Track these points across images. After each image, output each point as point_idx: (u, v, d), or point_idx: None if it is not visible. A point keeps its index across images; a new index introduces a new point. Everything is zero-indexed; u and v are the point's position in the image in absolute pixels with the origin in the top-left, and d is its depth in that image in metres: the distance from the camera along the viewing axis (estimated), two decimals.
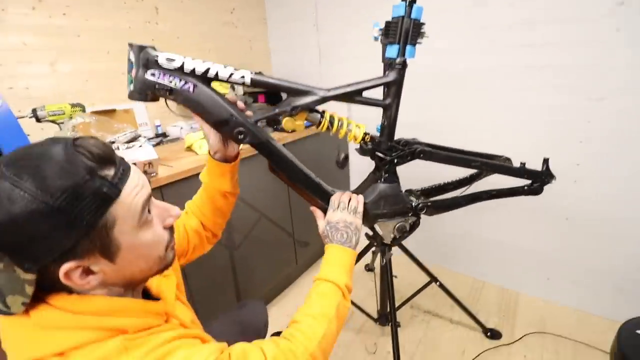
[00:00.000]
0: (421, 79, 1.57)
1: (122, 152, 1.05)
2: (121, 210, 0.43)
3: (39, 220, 0.38)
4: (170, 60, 0.63)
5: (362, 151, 0.92)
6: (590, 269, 1.51)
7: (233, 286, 1.50)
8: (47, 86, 1.37)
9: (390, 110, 0.85)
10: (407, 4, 0.78)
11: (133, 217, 0.44)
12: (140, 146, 1.14)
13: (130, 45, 0.63)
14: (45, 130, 1.34)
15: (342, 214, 0.75)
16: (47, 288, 0.43)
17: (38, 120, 1.21)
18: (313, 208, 0.81)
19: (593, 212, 1.44)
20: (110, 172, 0.43)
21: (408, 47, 0.80)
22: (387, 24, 0.83)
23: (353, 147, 0.99)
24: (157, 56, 0.63)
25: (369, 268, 1.93)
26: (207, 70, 0.66)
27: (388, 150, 0.89)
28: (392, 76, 0.82)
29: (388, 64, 0.83)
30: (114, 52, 1.51)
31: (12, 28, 1.27)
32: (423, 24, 0.81)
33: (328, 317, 0.61)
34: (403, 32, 0.79)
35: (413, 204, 0.95)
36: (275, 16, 2.22)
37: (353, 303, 1.51)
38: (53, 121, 1.23)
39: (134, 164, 0.72)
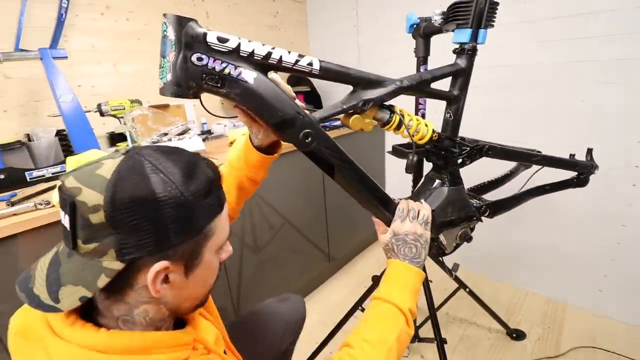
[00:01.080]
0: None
1: (174, 142, 1.14)
2: (219, 226, 0.46)
3: (169, 207, 0.39)
4: (222, 40, 0.49)
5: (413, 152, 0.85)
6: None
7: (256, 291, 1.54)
8: (109, 84, 1.50)
9: (458, 103, 0.77)
10: None
11: (222, 238, 0.47)
12: (190, 138, 1.22)
13: (165, 15, 0.47)
14: (107, 125, 1.48)
15: (412, 225, 0.65)
16: (90, 308, 0.43)
17: (102, 114, 1.33)
18: (375, 219, 0.71)
19: None
20: (221, 188, 0.47)
21: (481, 31, 0.72)
22: (455, 5, 0.73)
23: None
24: (206, 33, 0.48)
25: (377, 280, 1.84)
26: (268, 55, 0.52)
27: (454, 148, 0.78)
28: (462, 64, 0.74)
29: (457, 51, 0.76)
30: None
31: (83, 31, 1.41)
32: (498, 3, 0.72)
33: (387, 345, 0.53)
34: (477, 13, 0.69)
35: (476, 206, 0.87)
36: (316, 19, 2.28)
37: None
38: (114, 115, 1.35)
39: None
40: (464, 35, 0.72)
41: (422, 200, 0.78)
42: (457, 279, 1.39)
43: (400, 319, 0.57)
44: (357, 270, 2.05)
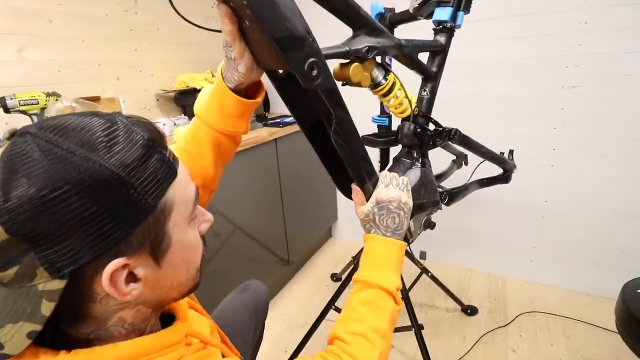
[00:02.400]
0: None
1: None
2: (178, 195, 0.36)
3: (98, 192, 0.29)
4: None
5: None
6: (568, 248, 1.64)
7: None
8: (13, 74, 1.21)
9: (435, 81, 0.77)
10: None
11: (187, 207, 0.38)
12: None
13: None
14: (12, 124, 1.19)
15: (397, 192, 0.58)
16: (48, 342, 0.33)
17: (6, 110, 1.07)
18: (355, 188, 0.62)
19: (567, 194, 1.57)
20: (165, 150, 0.36)
21: (459, 13, 0.74)
22: None
23: None
24: None
25: (337, 278, 1.86)
26: None
27: (428, 127, 0.75)
28: (442, 41, 0.74)
29: (438, 29, 0.76)
30: (90, 40, 1.39)
31: None
32: None
33: (380, 332, 0.50)
34: None
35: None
36: None
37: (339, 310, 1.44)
38: (24, 112, 1.09)
39: None
40: (445, 13, 0.74)
41: None
42: (420, 265, 1.45)
43: (389, 301, 0.53)
44: (315, 270, 2.01)
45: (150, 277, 0.35)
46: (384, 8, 0.97)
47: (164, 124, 1.60)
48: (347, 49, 0.53)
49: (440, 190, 0.93)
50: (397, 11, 0.95)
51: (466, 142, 0.92)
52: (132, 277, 0.34)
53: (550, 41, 1.43)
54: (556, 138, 1.52)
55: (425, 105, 0.78)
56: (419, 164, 0.78)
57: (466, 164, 1.24)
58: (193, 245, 0.40)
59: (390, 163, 0.82)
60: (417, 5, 0.80)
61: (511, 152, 1.30)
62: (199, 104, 0.57)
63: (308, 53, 0.43)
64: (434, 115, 0.80)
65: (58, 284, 0.30)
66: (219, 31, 0.48)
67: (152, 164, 0.33)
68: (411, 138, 0.77)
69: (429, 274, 1.43)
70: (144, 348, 0.36)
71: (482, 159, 1.12)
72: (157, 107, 1.69)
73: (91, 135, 0.31)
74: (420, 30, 0.95)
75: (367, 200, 0.60)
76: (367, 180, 0.59)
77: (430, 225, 0.84)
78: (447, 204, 0.96)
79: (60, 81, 1.32)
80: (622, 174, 1.45)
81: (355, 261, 1.62)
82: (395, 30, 1.00)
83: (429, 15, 0.79)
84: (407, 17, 0.90)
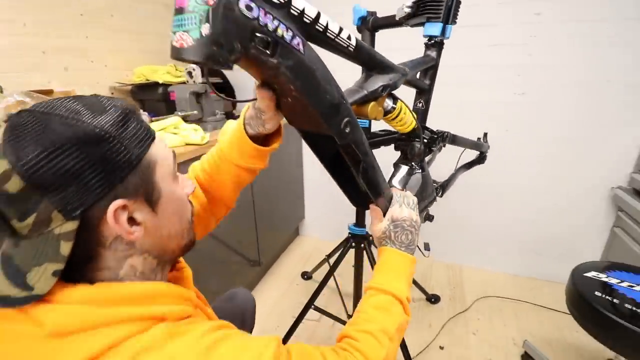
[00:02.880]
0: None
1: None
2: (159, 153, 0.43)
3: (91, 146, 0.35)
4: None
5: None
6: (515, 239, 1.83)
7: None
8: None
9: (429, 93, 0.83)
10: None
11: (169, 165, 0.44)
12: None
13: None
14: None
15: (409, 211, 0.64)
16: (70, 276, 0.37)
17: None
18: (374, 207, 0.66)
19: (513, 190, 1.75)
20: (141, 118, 0.42)
21: (448, 26, 0.78)
22: (427, 0, 0.78)
23: None
24: None
25: (308, 276, 1.89)
26: (317, 17, 0.41)
27: (425, 135, 0.81)
28: (433, 55, 0.79)
29: (429, 44, 0.80)
30: (32, 24, 1.22)
31: None
32: (461, 2, 0.80)
33: (389, 335, 0.52)
34: (447, 8, 0.75)
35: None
36: None
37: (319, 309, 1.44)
38: None
39: None
40: (436, 28, 0.78)
41: (403, 188, 0.80)
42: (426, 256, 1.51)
43: (398, 308, 0.56)
44: (284, 269, 2.00)
45: (149, 223, 0.42)
46: (367, 12, 1.00)
47: None
48: (366, 92, 0.57)
49: (435, 185, 0.99)
50: (379, 15, 0.98)
51: (454, 140, 0.98)
52: (133, 222, 0.40)
53: (501, 50, 1.57)
54: (507, 139, 1.68)
55: (421, 116, 0.84)
56: (420, 169, 0.83)
57: (444, 146, 1.31)
58: (180, 198, 0.47)
59: (392, 170, 0.86)
60: (405, 15, 0.83)
61: (485, 135, 1.38)
62: (223, 139, 0.64)
63: (343, 116, 0.48)
64: None
65: (72, 226, 0.35)
66: (255, 99, 0.53)
67: (133, 125, 0.40)
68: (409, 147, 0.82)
69: None
70: (159, 290, 0.42)
71: (464, 148, 1.20)
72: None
73: (77, 104, 0.37)
74: (400, 32, 0.98)
75: (383, 214, 0.66)
76: (382, 195, 0.64)
77: (429, 218, 0.92)
78: (441, 196, 1.03)
79: None
80: (557, 172, 1.65)
81: (329, 259, 1.65)
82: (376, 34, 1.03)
83: (415, 24, 0.83)
84: (391, 22, 0.92)
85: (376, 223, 0.67)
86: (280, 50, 0.37)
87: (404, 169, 0.85)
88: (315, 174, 2.18)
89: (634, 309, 0.86)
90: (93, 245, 0.39)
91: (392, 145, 0.86)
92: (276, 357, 0.40)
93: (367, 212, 0.68)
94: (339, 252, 1.43)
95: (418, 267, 1.91)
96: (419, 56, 0.80)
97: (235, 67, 0.37)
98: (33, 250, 0.35)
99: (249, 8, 0.34)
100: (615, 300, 0.89)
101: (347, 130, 0.49)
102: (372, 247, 1.44)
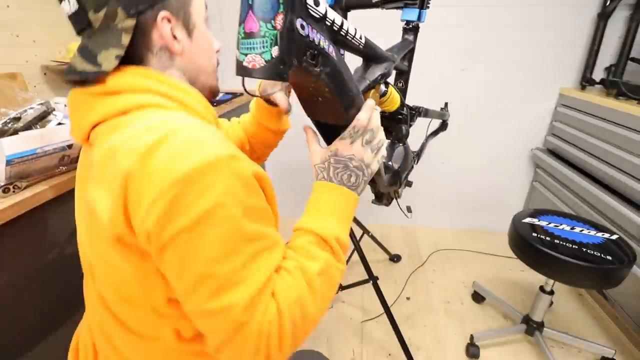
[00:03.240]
0: None
1: (39, 134, 0.75)
2: None
3: None
4: (316, 2, 0.40)
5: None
6: (455, 198, 2.11)
7: None
8: None
9: (408, 74, 0.91)
10: None
11: (202, 6, 0.52)
12: (60, 123, 0.84)
13: None
14: None
15: (362, 150, 0.52)
16: (131, 56, 0.46)
17: None
18: (307, 128, 0.57)
19: (452, 158, 1.99)
20: None
21: (423, 11, 0.85)
22: None
23: None
24: None
25: None
26: (342, 25, 0.46)
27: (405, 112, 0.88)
28: (411, 39, 0.86)
29: (407, 28, 0.87)
30: None
31: None
32: None
33: (307, 276, 0.43)
34: None
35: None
36: None
37: None
38: None
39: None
40: (414, 13, 0.84)
41: (390, 161, 0.89)
42: (362, 226, 1.64)
43: (322, 251, 0.46)
44: None
45: (185, 45, 0.49)
46: None
47: (65, 105, 1.31)
48: (369, 81, 0.62)
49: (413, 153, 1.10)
50: None
51: (426, 113, 1.09)
52: (174, 37, 0.47)
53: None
54: (459, 80, 1.87)
55: (401, 95, 0.90)
56: (404, 142, 0.92)
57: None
58: (209, 39, 0.54)
59: None
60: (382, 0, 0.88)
61: (446, 104, 1.50)
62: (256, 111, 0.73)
63: (358, 107, 0.53)
64: None
65: (130, 22, 0.44)
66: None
67: None
68: (392, 123, 0.89)
69: (369, 234, 1.64)
70: (195, 93, 0.50)
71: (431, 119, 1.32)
72: (45, 83, 1.34)
73: None
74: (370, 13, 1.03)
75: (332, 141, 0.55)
76: (352, 107, 0.53)
77: (409, 184, 1.04)
78: (417, 163, 1.14)
79: None
80: (487, 138, 1.92)
81: None
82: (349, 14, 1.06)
83: (390, 7, 0.89)
84: (365, 3, 0.97)
85: (314, 147, 0.56)
86: (322, 59, 0.42)
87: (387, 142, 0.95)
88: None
89: (558, 242, 1.10)
90: (143, 48, 0.47)
91: None
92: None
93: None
94: None
95: (376, 231, 2.10)
96: (399, 41, 0.87)
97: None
98: (102, 39, 0.44)
99: (302, 27, 0.38)
100: (547, 238, 1.12)
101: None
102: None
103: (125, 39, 0.43)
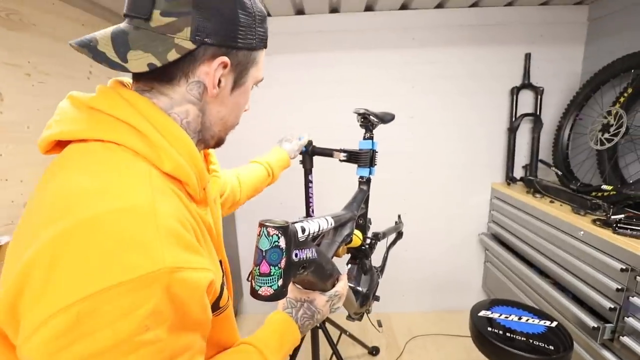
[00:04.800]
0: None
1: None
2: (261, 61, 0.53)
3: (246, 10, 0.46)
4: (303, 230, 0.55)
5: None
6: (420, 282, 2.28)
7: None
8: None
9: (366, 214, 1.15)
10: (372, 141, 1.14)
11: (259, 73, 0.54)
12: None
13: (277, 228, 0.48)
14: None
15: (328, 309, 0.68)
16: (162, 69, 0.43)
17: None
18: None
19: (414, 246, 2.22)
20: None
21: (372, 169, 1.15)
22: (357, 154, 1.14)
23: None
24: (297, 231, 0.54)
25: None
26: (319, 229, 0.63)
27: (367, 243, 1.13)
28: (366, 188, 1.13)
29: (361, 181, 1.16)
30: None
31: None
32: (377, 152, 1.19)
33: None
34: (369, 159, 1.13)
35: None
36: None
37: None
38: None
39: None
40: (366, 171, 1.13)
41: (358, 286, 1.06)
42: (338, 327, 1.72)
43: None
44: None
45: (223, 95, 0.50)
46: (308, 143, 1.27)
47: None
48: (338, 243, 0.83)
49: (375, 270, 1.27)
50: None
51: (384, 234, 1.31)
52: (219, 82, 0.47)
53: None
54: (405, 206, 2.16)
55: (363, 229, 1.15)
56: (366, 268, 1.12)
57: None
58: (247, 99, 0.55)
59: (348, 268, 1.13)
60: (343, 158, 1.15)
61: (399, 216, 1.76)
62: (273, 163, 1.04)
63: (333, 276, 0.69)
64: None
65: (189, 45, 0.42)
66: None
67: (266, 26, 0.51)
68: (357, 252, 1.11)
69: (347, 333, 1.72)
70: (186, 142, 0.46)
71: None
72: None
73: None
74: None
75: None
76: (329, 279, 0.70)
77: (377, 298, 1.21)
78: (380, 278, 1.31)
79: None
80: (443, 226, 2.19)
81: None
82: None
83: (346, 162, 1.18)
84: (327, 153, 1.22)
85: (291, 287, 0.67)
86: (308, 264, 0.56)
87: (353, 267, 1.14)
88: (249, 253, 2.28)
89: (509, 334, 1.27)
90: (182, 71, 0.45)
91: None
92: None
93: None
94: None
95: (356, 324, 2.17)
96: (357, 192, 1.14)
97: None
98: (149, 40, 0.41)
99: (296, 255, 0.52)
100: (500, 332, 1.29)
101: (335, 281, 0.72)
102: (327, 324, 1.63)
103: (172, 57, 0.42)
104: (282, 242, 0.49)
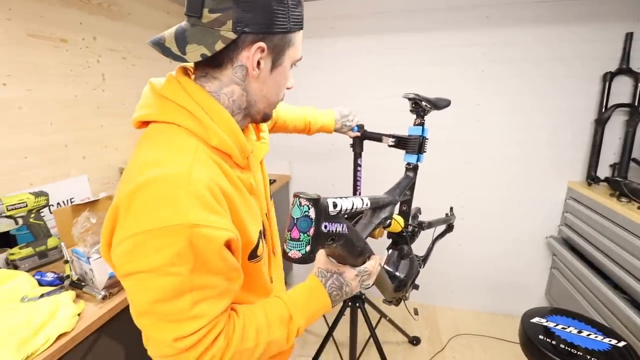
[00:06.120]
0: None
1: None
2: (298, 42, 0.58)
3: (282, 1, 0.52)
4: (335, 205, 0.58)
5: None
6: (475, 280, 2.15)
7: None
8: None
9: (411, 201, 1.12)
10: (422, 127, 1.10)
11: (296, 54, 0.59)
12: None
13: (309, 199, 0.53)
14: None
15: (358, 284, 0.70)
16: (213, 58, 0.52)
17: None
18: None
19: (472, 243, 2.09)
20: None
21: (421, 155, 1.11)
22: (406, 139, 1.11)
23: None
24: (328, 205, 0.56)
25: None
26: (352, 206, 0.63)
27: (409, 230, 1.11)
28: (412, 175, 1.10)
29: (408, 167, 1.12)
30: (58, 122, 1.37)
31: None
32: (428, 139, 1.13)
33: (256, 340, 0.55)
34: (419, 145, 1.09)
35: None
36: None
37: None
38: (10, 216, 1.06)
39: None
40: (413, 157, 1.09)
41: (396, 271, 1.05)
42: (379, 311, 1.74)
43: (283, 330, 0.58)
44: None
45: (263, 74, 0.56)
46: (357, 126, 1.28)
47: None
48: (374, 224, 0.81)
49: (418, 259, 1.25)
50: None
51: (430, 224, 1.27)
52: (258, 64, 0.54)
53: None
54: (465, 201, 2.04)
55: (407, 216, 1.12)
56: (407, 254, 1.09)
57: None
58: (286, 78, 0.60)
59: (388, 253, 1.13)
60: (392, 144, 1.14)
61: (451, 208, 1.68)
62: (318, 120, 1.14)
63: (365, 255, 0.70)
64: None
65: (232, 35, 0.50)
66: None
67: (300, 9, 0.56)
68: (398, 238, 1.09)
69: (387, 318, 1.73)
70: (231, 123, 0.55)
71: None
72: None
73: None
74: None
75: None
76: (360, 257, 0.71)
77: (416, 287, 1.18)
78: (423, 267, 1.29)
79: (25, 168, 1.26)
80: (505, 225, 2.02)
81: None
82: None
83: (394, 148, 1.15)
84: (376, 138, 1.22)
85: (320, 258, 0.70)
86: (337, 237, 0.59)
87: (393, 253, 1.12)
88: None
89: (567, 348, 1.16)
90: (228, 58, 0.53)
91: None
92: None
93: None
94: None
95: (399, 311, 2.16)
96: (403, 177, 1.10)
97: None
98: (200, 35, 0.50)
99: (325, 227, 0.55)
100: (553, 342, 1.18)
101: (368, 258, 0.72)
102: (367, 306, 1.66)
103: (219, 46, 0.50)
104: (312, 213, 0.53)
